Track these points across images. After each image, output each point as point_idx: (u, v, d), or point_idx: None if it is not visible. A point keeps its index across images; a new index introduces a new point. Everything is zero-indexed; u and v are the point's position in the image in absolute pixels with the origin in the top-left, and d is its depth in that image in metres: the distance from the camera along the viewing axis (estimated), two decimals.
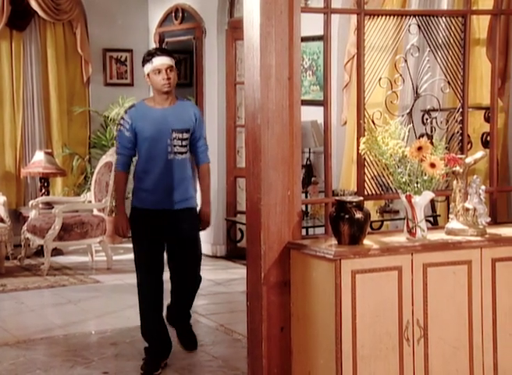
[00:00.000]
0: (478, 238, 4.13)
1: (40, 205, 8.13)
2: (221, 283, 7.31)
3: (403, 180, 4.01)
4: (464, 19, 4.48)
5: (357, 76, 4.38)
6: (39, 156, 8.43)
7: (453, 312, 4.04)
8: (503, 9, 4.67)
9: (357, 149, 4.24)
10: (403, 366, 3.94)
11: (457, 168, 4.17)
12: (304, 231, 6.18)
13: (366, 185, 4.38)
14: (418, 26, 4.39)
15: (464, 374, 4.05)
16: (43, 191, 8.51)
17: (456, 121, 4.56)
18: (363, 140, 4.15)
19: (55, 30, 8.90)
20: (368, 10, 4.39)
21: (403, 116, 4.49)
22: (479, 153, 4.35)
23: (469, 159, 4.26)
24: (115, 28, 8.99)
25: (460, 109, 4.52)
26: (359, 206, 3.99)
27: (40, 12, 8.61)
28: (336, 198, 4.19)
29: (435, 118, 4.69)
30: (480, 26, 5.09)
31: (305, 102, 6.30)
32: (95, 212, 8.02)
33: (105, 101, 8.88)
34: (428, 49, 4.48)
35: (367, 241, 4.03)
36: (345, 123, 6.96)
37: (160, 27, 8.89)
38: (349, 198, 4.04)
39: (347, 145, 6.88)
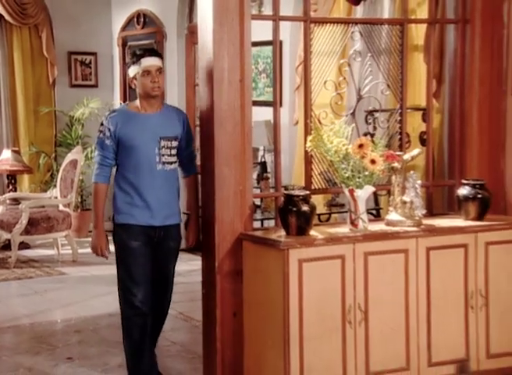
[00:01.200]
0: (415, 229, 4.24)
1: (8, 201, 8.09)
2: (181, 274, 7.29)
3: (347, 175, 4.11)
4: (401, 27, 4.61)
5: (304, 79, 4.45)
6: (6, 154, 8.39)
7: (392, 297, 4.15)
8: (438, 19, 4.83)
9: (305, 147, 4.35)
10: (345, 346, 4.04)
11: (396, 164, 4.29)
12: (258, 223, 6.30)
13: (314, 180, 4.46)
14: (360, 33, 4.52)
15: (401, 353, 4.18)
16: (10, 187, 8.47)
17: (396, 121, 4.69)
18: (309, 138, 4.25)
19: (21, 34, 8.84)
20: (313, 18, 4.47)
21: (347, 116, 4.60)
22: (415, 150, 4.49)
23: (406, 156, 4.39)
24: (80, 32, 8.96)
25: (399, 110, 4.64)
26: (306, 200, 4.08)
27: (6, 17, 8.58)
28: (285, 192, 4.28)
29: (377, 118, 4.84)
30: (418, 33, 5.21)
31: (260, 103, 6.42)
32: (61, 207, 8.01)
33: (70, 102, 8.85)
34: (370, 54, 4.62)
35: (313, 232, 4.11)
36: (297, 122, 7.07)
37: (123, 31, 8.89)
38: (296, 192, 4.14)
39: (298, 143, 6.97)
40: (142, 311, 4.17)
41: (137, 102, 4.17)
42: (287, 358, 3.93)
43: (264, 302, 4.09)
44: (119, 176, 4.21)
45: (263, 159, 7.10)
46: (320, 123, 4.42)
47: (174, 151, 4.17)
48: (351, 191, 4.13)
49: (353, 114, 4.62)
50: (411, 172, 4.34)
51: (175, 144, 4.16)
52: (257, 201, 6.16)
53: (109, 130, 4.09)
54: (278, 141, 4.46)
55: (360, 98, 4.63)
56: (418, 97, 5.08)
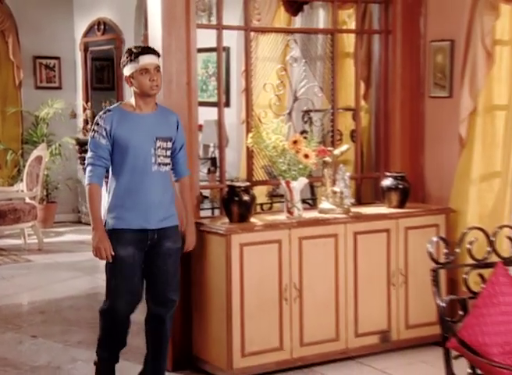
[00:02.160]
0: (344, 216, 4.34)
1: None
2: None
3: (283, 168, 4.19)
4: (332, 36, 4.74)
5: (246, 82, 4.55)
6: None
7: (323, 276, 4.24)
8: (364, 29, 4.94)
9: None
10: (282, 321, 4.12)
11: (327, 158, 4.40)
12: (209, 212, 6.33)
13: (255, 173, 4.54)
14: (295, 41, 4.63)
15: (331, 326, 4.28)
16: None
17: (329, 120, 4.85)
18: (250, 135, 4.35)
19: None
20: (253, 27, 4.53)
21: (284, 115, 4.72)
22: (344, 146, 4.61)
23: (336, 151, 4.50)
24: (44, 38, 8.89)
25: (331, 110, 4.77)
26: (247, 190, 4.17)
27: None
28: (228, 183, 4.35)
29: (311, 117, 4.96)
30: (349, 42, 5.31)
31: (210, 104, 6.48)
32: (27, 200, 7.96)
33: (36, 103, 8.78)
34: (305, 60, 4.74)
35: (254, 219, 4.18)
36: (243, 121, 7.15)
37: (85, 37, 8.86)
38: (238, 184, 4.23)
39: (244, 140, 7.07)
40: (121, 319, 3.77)
41: (132, 101, 3.72)
42: (230, 333, 4.00)
43: (210, 283, 4.14)
44: (113, 179, 3.68)
45: (213, 155, 7.18)
46: (260, 121, 4.52)
47: (169, 152, 3.72)
48: (287, 183, 4.22)
49: (289, 114, 4.74)
50: (341, 165, 4.46)
51: (170, 144, 3.72)
52: (207, 193, 6.21)
53: (105, 129, 3.61)
54: (222, 138, 4.54)
55: (296, 99, 4.75)
56: (350, 98, 5.17)
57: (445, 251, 2.85)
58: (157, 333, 3.87)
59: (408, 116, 4.90)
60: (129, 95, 8.44)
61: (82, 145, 8.64)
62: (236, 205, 4.11)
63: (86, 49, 8.89)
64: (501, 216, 4.35)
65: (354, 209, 4.49)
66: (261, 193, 5.33)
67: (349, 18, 5.25)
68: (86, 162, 3.67)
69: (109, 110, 3.72)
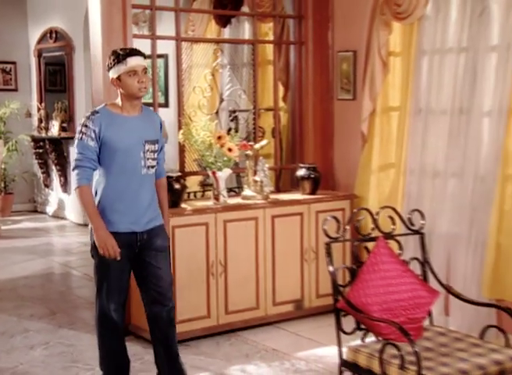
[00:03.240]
0: (263, 202, 4.49)
1: None
2: (88, 244, 7.43)
3: (210, 160, 4.32)
4: (253, 46, 4.90)
5: (177, 85, 4.62)
6: None
7: (245, 254, 4.37)
8: (281, 40, 5.09)
9: None
10: (209, 293, 4.23)
11: (249, 152, 4.57)
12: None
13: (188, 165, 4.64)
14: (221, 50, 4.78)
15: (252, 296, 4.41)
16: None
17: (252, 119, 5.01)
18: (181, 132, 4.48)
19: None
20: (183, 37, 4.64)
21: (211, 114, 4.85)
22: (264, 141, 4.77)
23: (257, 145, 4.66)
24: (1, 44, 8.73)
25: (253, 110, 4.93)
26: (178, 180, 4.28)
27: None
28: None
29: (237, 116, 5.11)
30: (271, 51, 5.43)
31: (151, 105, 6.55)
32: None
33: None
34: (229, 66, 4.88)
35: (184, 205, 4.29)
36: None
37: (38, 44, 8.79)
38: (170, 174, 4.29)
39: None
40: (114, 320, 3.36)
41: (119, 103, 3.31)
42: None
43: None
44: (102, 182, 3.27)
45: None
46: (191, 119, 4.65)
47: (156, 155, 3.36)
48: (213, 173, 4.34)
49: (217, 113, 4.88)
50: (261, 158, 4.62)
51: (157, 147, 3.36)
52: None
53: (94, 131, 3.19)
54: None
55: (222, 100, 4.89)
56: (271, 100, 5.29)
57: (336, 228, 3.05)
58: (161, 332, 3.45)
59: (319, 116, 5.07)
60: (80, 97, 8.56)
61: (37, 142, 8.65)
62: (169, 192, 4.16)
63: (39, 55, 8.81)
64: (395, 200, 4.56)
65: (273, 196, 4.63)
66: (194, 183, 5.45)
67: (270, 30, 5.40)
68: (73, 164, 3.25)
69: (97, 112, 3.27)
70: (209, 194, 5.40)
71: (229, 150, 4.32)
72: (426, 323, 3.15)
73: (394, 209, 3.20)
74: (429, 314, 3.15)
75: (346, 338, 3.02)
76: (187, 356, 3.89)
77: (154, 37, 4.47)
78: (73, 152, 3.39)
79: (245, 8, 5.25)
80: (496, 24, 4.01)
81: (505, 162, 4.03)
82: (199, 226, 4.21)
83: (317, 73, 5.04)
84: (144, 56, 3.30)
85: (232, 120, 5.31)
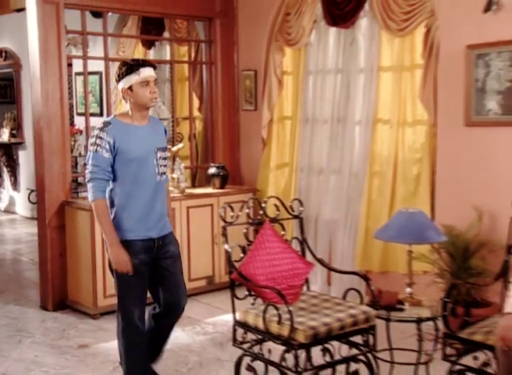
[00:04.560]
0: (179, 195, 4.64)
1: None
2: (34, 234, 7.38)
3: None
4: (171, 65, 5.09)
5: (106, 97, 4.79)
6: None
7: None
8: (195, 61, 5.25)
9: None
10: None
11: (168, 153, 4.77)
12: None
13: None
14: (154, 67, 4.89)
15: None
16: None
17: (171, 126, 5.20)
18: None
19: None
20: (111, 58, 4.79)
21: None
22: (180, 144, 4.98)
23: (174, 148, 4.84)
24: None
25: (172, 119, 5.11)
26: None
27: None
28: None
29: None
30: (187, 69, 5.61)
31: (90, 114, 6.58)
32: None
33: None
34: (158, 82, 5.00)
35: None
36: None
37: None
38: None
39: None
40: (140, 329, 3.00)
41: (129, 113, 2.94)
42: (94, 282, 4.21)
43: (80, 246, 4.31)
44: (117, 191, 2.92)
45: None
46: None
47: (166, 162, 3.05)
48: None
49: None
50: (177, 158, 4.81)
51: (166, 154, 3.05)
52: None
53: (109, 143, 2.83)
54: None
55: None
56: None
57: (231, 214, 3.28)
58: (162, 337, 3.18)
59: (228, 124, 5.25)
60: (27, 107, 8.48)
61: None
62: None
63: None
64: (289, 192, 4.85)
65: (188, 190, 4.80)
66: None
67: (187, 51, 5.58)
68: (87, 176, 2.89)
69: (109, 123, 2.90)
70: None
71: None
72: (305, 289, 3.41)
73: (278, 198, 3.44)
74: (306, 282, 3.39)
75: (242, 304, 3.15)
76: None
77: (85, 58, 4.61)
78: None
79: (166, 34, 5.41)
80: (362, 52, 4.38)
81: (372, 161, 4.40)
82: None
83: (225, 88, 5.22)
84: (155, 67, 2.99)
85: None
